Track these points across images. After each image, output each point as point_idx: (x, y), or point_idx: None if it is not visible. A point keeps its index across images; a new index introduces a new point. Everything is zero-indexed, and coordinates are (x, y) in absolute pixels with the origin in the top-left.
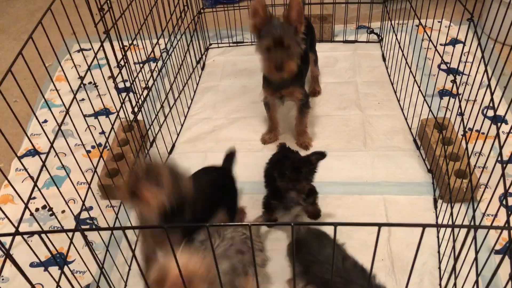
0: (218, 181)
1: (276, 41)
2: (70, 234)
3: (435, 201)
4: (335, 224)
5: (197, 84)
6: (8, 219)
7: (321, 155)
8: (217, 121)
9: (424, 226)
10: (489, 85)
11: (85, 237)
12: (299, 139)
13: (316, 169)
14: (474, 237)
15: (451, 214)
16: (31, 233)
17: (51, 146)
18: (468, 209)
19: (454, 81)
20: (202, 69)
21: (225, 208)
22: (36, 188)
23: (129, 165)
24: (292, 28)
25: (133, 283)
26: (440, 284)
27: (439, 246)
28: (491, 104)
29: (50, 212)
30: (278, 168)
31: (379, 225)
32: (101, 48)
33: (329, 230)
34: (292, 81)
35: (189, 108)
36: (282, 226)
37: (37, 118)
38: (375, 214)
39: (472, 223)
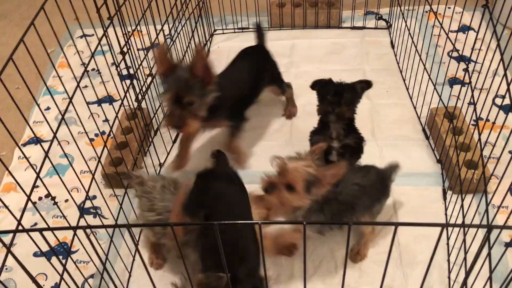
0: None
1: (175, 97)
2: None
3: (444, 192)
4: (350, 223)
5: None
6: (11, 212)
7: (366, 84)
8: None
9: (443, 225)
10: (505, 74)
11: (88, 236)
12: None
13: (360, 98)
14: (488, 232)
15: (462, 206)
16: (33, 230)
17: (54, 136)
18: (481, 201)
19: (466, 70)
20: (207, 55)
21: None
22: (37, 178)
23: (133, 154)
24: (198, 80)
25: (137, 274)
26: (449, 277)
27: (448, 239)
28: (503, 93)
29: (54, 201)
30: (321, 92)
31: (396, 224)
32: (105, 35)
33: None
34: (215, 115)
35: None
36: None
37: (39, 107)
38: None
39: (484, 217)
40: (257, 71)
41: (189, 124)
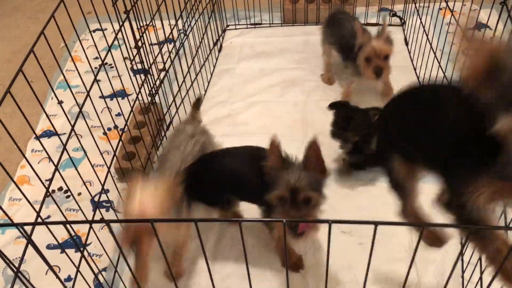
0: None
1: (292, 192)
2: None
3: None
4: (376, 223)
5: (214, 67)
6: (31, 205)
7: (379, 111)
8: (234, 105)
9: (472, 228)
10: None
11: (111, 229)
12: None
13: (372, 122)
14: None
15: None
16: (56, 223)
17: (72, 129)
18: None
19: None
20: (219, 51)
21: None
22: (55, 171)
23: (147, 147)
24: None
25: (150, 267)
26: (462, 277)
27: (462, 238)
28: None
29: (67, 194)
30: (335, 116)
31: (423, 225)
32: (116, 28)
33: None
34: None
35: (206, 91)
36: None
37: (57, 98)
38: (395, 203)
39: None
40: None
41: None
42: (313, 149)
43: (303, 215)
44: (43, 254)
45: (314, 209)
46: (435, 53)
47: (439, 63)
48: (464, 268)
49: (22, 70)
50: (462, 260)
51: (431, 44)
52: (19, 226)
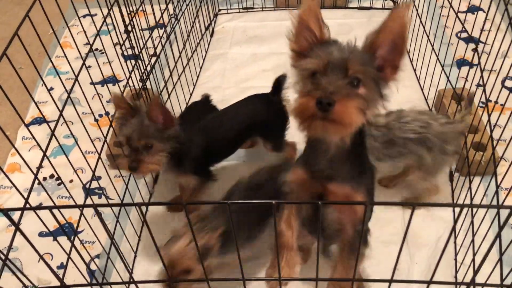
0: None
1: (129, 141)
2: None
3: (451, 174)
4: (366, 203)
5: (206, 52)
6: (19, 191)
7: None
8: (227, 90)
9: (461, 206)
10: None
11: (99, 214)
12: None
13: None
14: (497, 214)
15: (470, 188)
16: (43, 208)
17: (61, 115)
18: (490, 184)
19: (475, 50)
20: (211, 35)
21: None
22: (43, 157)
23: None
24: (155, 124)
25: (143, 254)
26: (455, 259)
27: (455, 221)
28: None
29: (58, 182)
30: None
31: (414, 204)
32: (108, 14)
33: None
34: (178, 167)
35: (198, 77)
36: None
37: (45, 85)
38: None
39: (495, 198)
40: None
41: (146, 162)
42: (154, 103)
43: (142, 159)
44: (32, 243)
45: (155, 155)
46: (428, 36)
47: (432, 46)
48: (457, 251)
49: (6, 54)
50: (455, 243)
51: (424, 28)
52: (5, 212)
